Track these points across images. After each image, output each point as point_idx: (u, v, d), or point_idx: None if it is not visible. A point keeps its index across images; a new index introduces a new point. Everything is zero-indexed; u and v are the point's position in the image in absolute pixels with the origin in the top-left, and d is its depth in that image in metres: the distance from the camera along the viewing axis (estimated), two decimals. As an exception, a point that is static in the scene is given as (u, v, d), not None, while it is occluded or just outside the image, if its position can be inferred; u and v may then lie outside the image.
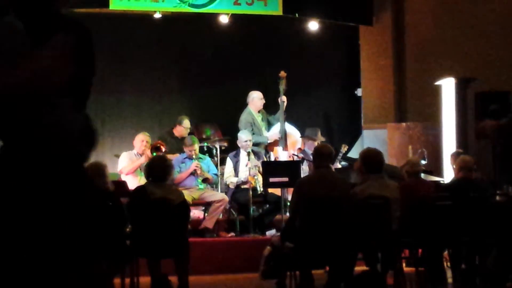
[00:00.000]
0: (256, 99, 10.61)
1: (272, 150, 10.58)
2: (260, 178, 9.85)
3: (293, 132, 10.73)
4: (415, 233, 7.25)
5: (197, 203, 9.72)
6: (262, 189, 9.89)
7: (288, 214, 8.68)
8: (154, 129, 11.31)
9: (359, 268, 7.37)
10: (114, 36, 11.57)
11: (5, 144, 2.37)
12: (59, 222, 2.37)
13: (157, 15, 10.99)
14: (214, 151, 10.74)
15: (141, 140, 9.98)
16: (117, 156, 10.18)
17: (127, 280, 7.36)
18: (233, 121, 10.81)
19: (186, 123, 10.80)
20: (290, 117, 10.76)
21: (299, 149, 10.56)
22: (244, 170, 9.99)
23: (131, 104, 11.92)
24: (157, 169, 7.59)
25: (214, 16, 11.14)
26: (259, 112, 10.70)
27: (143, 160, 9.72)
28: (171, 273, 7.39)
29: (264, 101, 10.60)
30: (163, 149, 10.11)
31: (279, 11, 11.06)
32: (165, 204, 7.34)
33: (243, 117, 10.57)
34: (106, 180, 7.58)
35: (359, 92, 12.44)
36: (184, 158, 9.96)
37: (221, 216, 9.92)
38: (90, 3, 10.68)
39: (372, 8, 12.14)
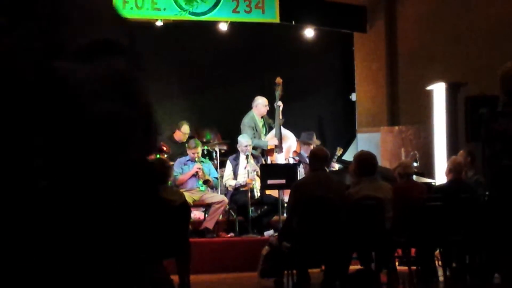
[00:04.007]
0: (260, 105, 10.62)
1: (271, 155, 10.56)
2: (257, 183, 9.86)
3: (288, 135, 10.72)
4: (407, 233, 7.26)
5: (197, 204, 9.72)
6: (259, 194, 9.90)
7: (285, 215, 8.67)
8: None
9: (354, 267, 7.40)
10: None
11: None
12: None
13: (159, 23, 11.00)
14: (214, 154, 10.74)
15: None
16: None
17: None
18: (232, 125, 10.82)
19: (185, 128, 10.82)
20: (287, 121, 10.76)
21: (295, 152, 10.57)
22: (243, 173, 9.99)
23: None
24: (157, 172, 7.58)
25: (213, 23, 11.15)
26: (261, 117, 10.72)
27: None
28: (173, 272, 7.36)
29: (268, 108, 10.61)
30: (165, 150, 10.13)
31: (276, 19, 11.07)
32: (167, 205, 7.31)
33: (246, 121, 10.57)
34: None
35: (353, 96, 12.45)
36: (187, 161, 9.97)
37: (220, 217, 9.92)
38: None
39: (366, 16, 12.16)
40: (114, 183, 1.75)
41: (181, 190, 8.87)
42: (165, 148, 10.19)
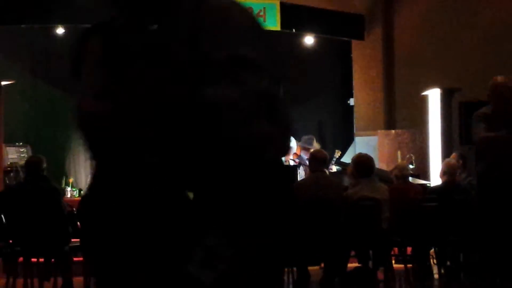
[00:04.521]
0: None
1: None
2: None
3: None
4: (404, 232, 7.26)
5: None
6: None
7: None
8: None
9: (352, 264, 7.39)
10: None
11: None
12: None
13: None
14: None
15: None
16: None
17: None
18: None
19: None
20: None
21: (295, 154, 10.54)
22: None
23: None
24: None
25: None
26: None
27: None
28: None
29: None
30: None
31: (277, 27, 11.04)
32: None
33: None
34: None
35: (351, 101, 12.40)
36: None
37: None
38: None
39: (364, 24, 12.16)
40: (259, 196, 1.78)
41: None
42: None
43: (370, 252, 7.16)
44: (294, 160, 10.32)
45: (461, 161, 8.83)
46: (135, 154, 1.77)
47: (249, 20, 1.76)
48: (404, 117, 12.01)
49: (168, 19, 1.73)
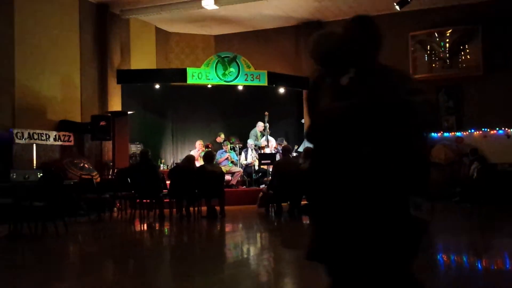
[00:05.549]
0: (260, 126, 10.43)
1: (263, 150, 10.31)
2: (257, 162, 9.83)
3: (271, 140, 10.52)
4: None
5: (228, 172, 9.55)
6: (257, 167, 10.00)
7: (270, 177, 8.49)
8: (208, 138, 11.24)
9: (304, 202, 7.30)
10: (189, 97, 11.25)
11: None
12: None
13: (209, 86, 10.73)
14: (236, 148, 10.53)
15: (199, 144, 9.98)
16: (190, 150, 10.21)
17: (196, 209, 7.35)
18: (245, 135, 10.76)
19: (222, 136, 10.70)
20: (271, 134, 10.65)
21: (275, 147, 10.34)
22: (249, 158, 9.95)
23: (198, 128, 11.63)
24: (208, 157, 7.56)
25: (236, 86, 10.80)
26: (260, 131, 10.55)
27: (200, 152, 9.74)
28: (216, 205, 7.34)
29: (263, 128, 10.44)
30: (210, 147, 10.24)
31: (265, 83, 10.93)
32: (213, 173, 7.30)
33: (252, 133, 10.46)
34: (194, 164, 7.59)
35: (303, 121, 12.09)
36: (223, 152, 9.93)
37: (239, 178, 9.81)
38: (175, 79, 10.43)
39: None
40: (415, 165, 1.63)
41: (221, 166, 8.75)
42: (210, 146, 10.23)
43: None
44: (276, 149, 10.12)
45: None
46: (352, 147, 1.63)
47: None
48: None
49: (366, 74, 1.67)
